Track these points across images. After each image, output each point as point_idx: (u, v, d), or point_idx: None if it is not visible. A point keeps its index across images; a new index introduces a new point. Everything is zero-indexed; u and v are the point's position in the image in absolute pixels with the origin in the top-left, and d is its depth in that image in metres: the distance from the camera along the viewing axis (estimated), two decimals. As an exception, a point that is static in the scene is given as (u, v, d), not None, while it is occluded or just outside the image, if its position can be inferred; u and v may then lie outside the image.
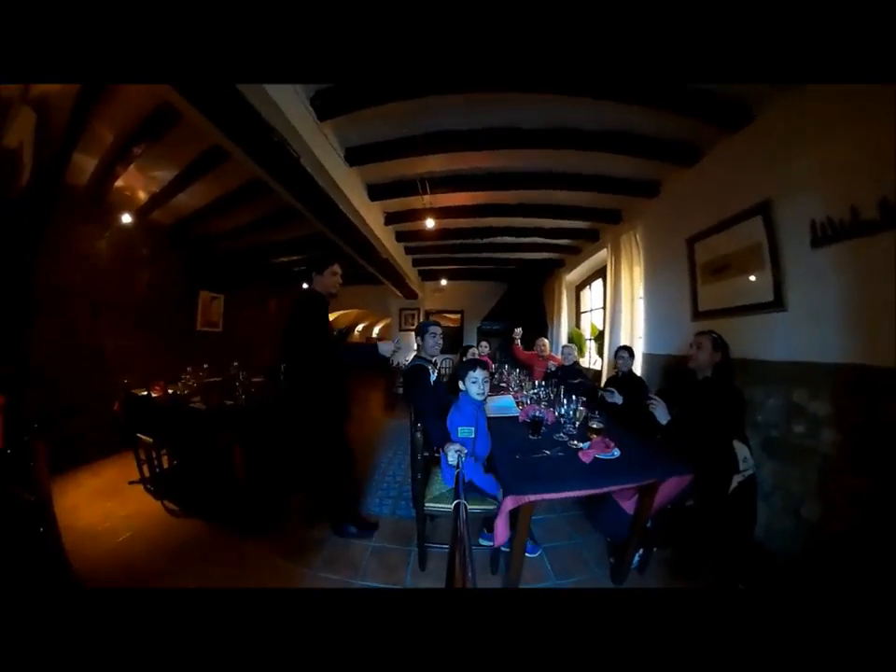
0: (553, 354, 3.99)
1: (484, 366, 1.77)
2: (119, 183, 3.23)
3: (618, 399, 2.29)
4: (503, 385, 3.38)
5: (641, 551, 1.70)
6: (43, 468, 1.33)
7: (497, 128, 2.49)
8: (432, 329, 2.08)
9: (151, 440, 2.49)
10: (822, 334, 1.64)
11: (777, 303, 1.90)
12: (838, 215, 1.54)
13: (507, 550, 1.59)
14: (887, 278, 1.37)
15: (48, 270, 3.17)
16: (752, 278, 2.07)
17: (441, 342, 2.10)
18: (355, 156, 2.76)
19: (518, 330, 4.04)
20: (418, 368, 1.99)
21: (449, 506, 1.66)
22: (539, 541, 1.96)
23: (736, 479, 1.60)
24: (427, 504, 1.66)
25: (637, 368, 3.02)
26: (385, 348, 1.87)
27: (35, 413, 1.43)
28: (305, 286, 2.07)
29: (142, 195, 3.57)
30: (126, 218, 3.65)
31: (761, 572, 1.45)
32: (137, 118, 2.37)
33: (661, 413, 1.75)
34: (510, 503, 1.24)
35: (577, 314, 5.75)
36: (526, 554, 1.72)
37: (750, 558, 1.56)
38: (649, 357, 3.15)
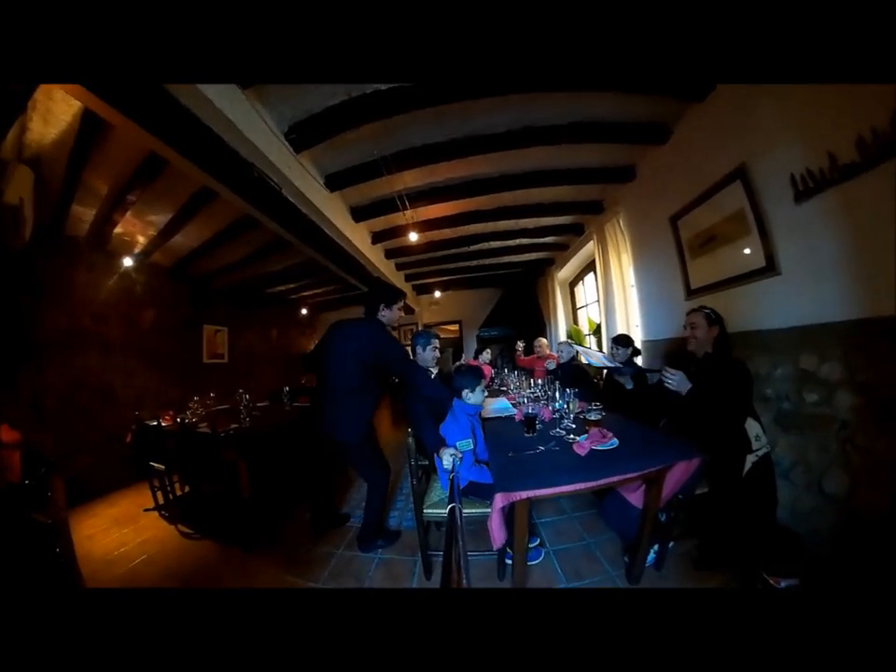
0: (551, 353, 3.88)
1: (479, 372, 1.76)
2: (118, 230, 3.33)
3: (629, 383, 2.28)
4: (503, 388, 3.28)
5: (657, 546, 1.55)
6: (60, 497, 1.45)
7: (464, 137, 2.50)
8: (434, 341, 2.11)
9: (164, 467, 2.54)
10: (822, 292, 1.53)
11: (770, 268, 1.80)
12: (817, 164, 1.46)
13: (510, 563, 1.53)
14: (877, 220, 1.27)
15: (56, 316, 3.26)
16: (741, 246, 1.97)
17: (438, 354, 2.14)
18: (334, 181, 2.81)
19: (520, 343, 4.21)
20: None
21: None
22: (548, 544, 1.85)
23: (750, 459, 1.47)
24: (425, 510, 1.63)
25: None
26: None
27: (50, 450, 1.62)
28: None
29: (141, 239, 3.67)
30: (128, 262, 3.77)
31: (787, 560, 1.29)
32: (128, 167, 2.45)
33: (682, 382, 1.53)
34: (499, 501, 1.17)
35: (573, 310, 5.65)
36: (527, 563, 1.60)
37: (775, 544, 1.40)
38: (647, 344, 3.02)
